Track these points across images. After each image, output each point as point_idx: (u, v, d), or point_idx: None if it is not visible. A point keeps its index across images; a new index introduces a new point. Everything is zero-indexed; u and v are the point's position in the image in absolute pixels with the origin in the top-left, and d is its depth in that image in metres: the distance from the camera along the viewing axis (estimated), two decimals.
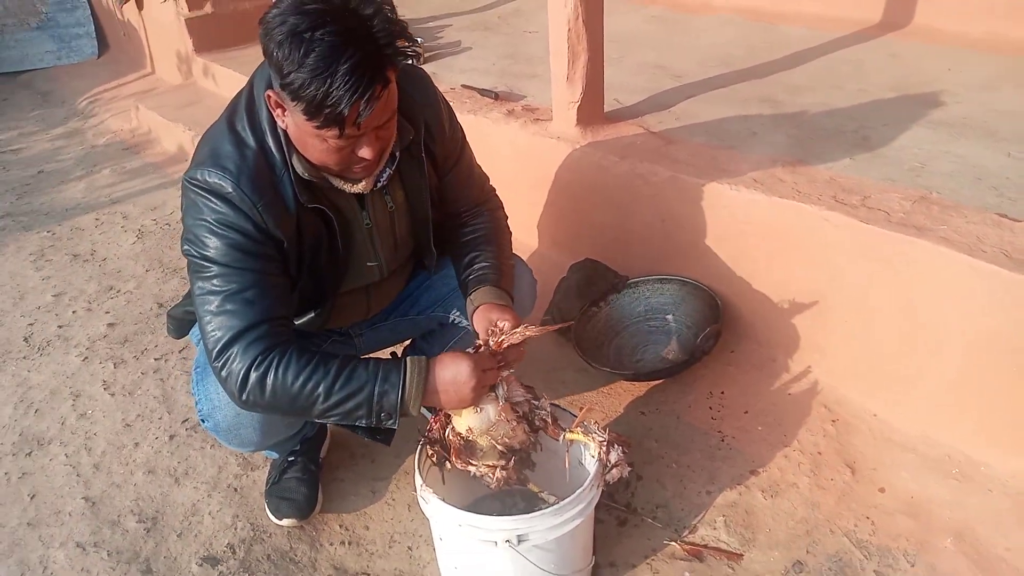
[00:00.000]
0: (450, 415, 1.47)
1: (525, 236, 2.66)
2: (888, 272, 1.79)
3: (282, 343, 1.37)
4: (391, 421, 1.38)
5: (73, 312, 2.78)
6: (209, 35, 4.39)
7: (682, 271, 2.23)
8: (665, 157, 2.23)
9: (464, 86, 2.94)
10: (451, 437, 1.47)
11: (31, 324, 2.73)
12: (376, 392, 1.36)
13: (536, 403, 1.52)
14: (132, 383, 2.37)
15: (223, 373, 1.36)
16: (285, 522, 1.80)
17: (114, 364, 2.46)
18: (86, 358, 2.51)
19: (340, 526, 1.82)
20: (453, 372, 1.39)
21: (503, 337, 1.47)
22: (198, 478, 1.98)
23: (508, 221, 1.79)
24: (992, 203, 1.84)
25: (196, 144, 1.45)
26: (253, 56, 1.38)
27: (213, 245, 1.36)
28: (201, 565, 1.75)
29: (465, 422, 1.44)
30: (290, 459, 1.86)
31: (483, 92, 2.84)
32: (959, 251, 1.66)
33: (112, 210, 3.55)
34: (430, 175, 1.61)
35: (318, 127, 1.25)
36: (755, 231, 2.01)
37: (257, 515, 1.86)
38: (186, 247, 1.41)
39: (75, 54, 5.91)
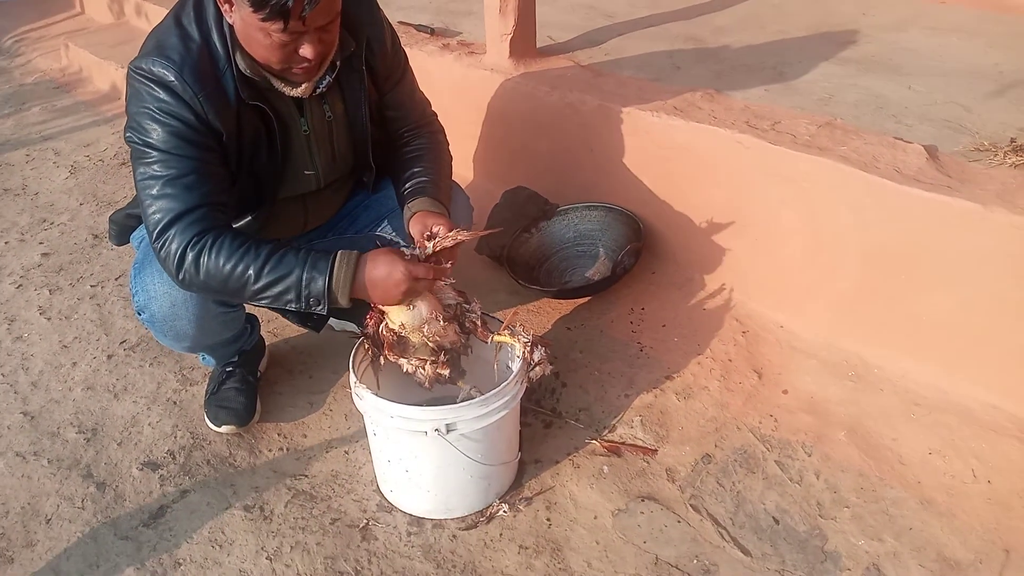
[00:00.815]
0: (384, 312, 1.55)
1: (461, 168, 2.71)
2: (794, 190, 1.92)
3: (218, 226, 1.43)
4: (320, 307, 1.44)
5: (5, 243, 2.76)
6: None
7: (609, 197, 2.33)
8: (594, 88, 2.32)
9: (401, 22, 2.97)
10: (384, 332, 1.54)
11: None
12: (304, 277, 1.42)
13: (467, 306, 1.61)
14: (68, 308, 2.38)
15: (161, 253, 1.42)
16: (224, 429, 1.87)
17: (49, 291, 2.47)
18: (20, 286, 2.50)
19: (278, 434, 1.90)
20: (387, 270, 1.44)
21: (437, 240, 1.54)
22: (137, 393, 2.03)
23: (449, 146, 1.86)
24: (891, 129, 1.99)
25: (144, 39, 1.49)
26: None
27: (155, 132, 1.42)
28: (142, 470, 1.81)
29: (398, 318, 1.52)
30: (228, 370, 1.92)
31: (419, 27, 2.88)
32: (856, 167, 1.80)
33: (43, 147, 3.49)
34: (370, 90, 1.67)
35: (263, 19, 1.31)
36: (675, 156, 2.13)
37: (196, 425, 1.92)
38: (129, 134, 1.46)
39: None
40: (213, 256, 1.40)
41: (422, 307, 1.52)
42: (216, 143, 1.47)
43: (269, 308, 1.49)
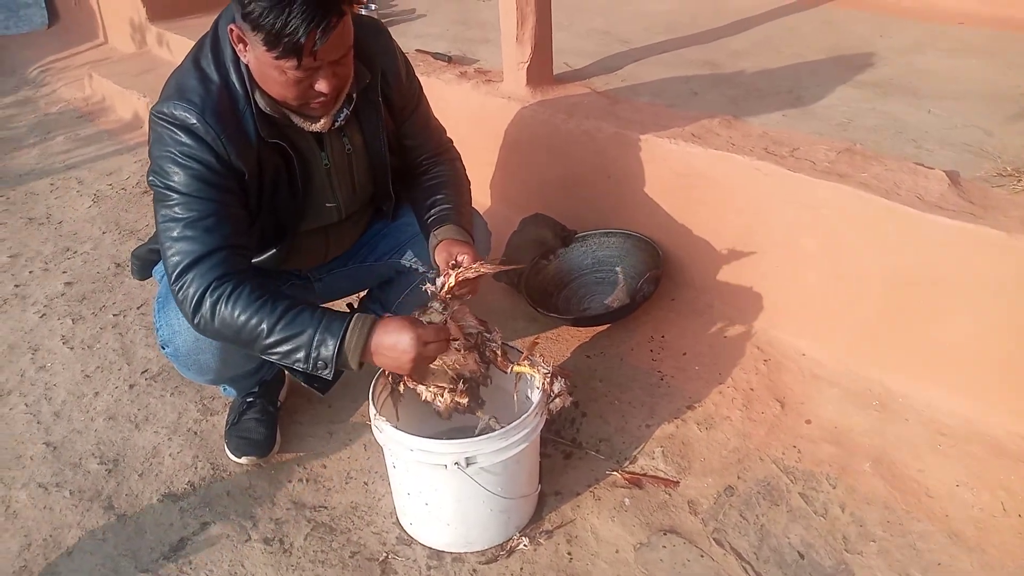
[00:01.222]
0: None
1: (478, 194, 2.71)
2: (814, 217, 1.91)
3: (239, 271, 1.44)
4: (326, 371, 1.43)
5: (30, 272, 2.79)
6: (163, 3, 4.38)
7: (627, 224, 2.33)
8: (610, 115, 2.33)
9: (418, 51, 3.00)
10: None
11: None
12: (315, 340, 1.41)
13: (488, 335, 1.60)
14: (91, 337, 2.40)
15: (179, 296, 1.43)
16: (244, 460, 1.87)
17: (72, 320, 2.49)
18: (44, 315, 2.53)
19: (298, 465, 1.90)
20: (395, 339, 1.43)
21: (460, 271, 1.55)
22: (158, 423, 2.04)
23: (466, 172, 1.87)
24: (911, 154, 1.97)
25: (165, 83, 1.51)
26: (208, 25, 1.46)
27: (176, 175, 1.43)
28: (162, 501, 1.81)
29: None
30: (249, 400, 1.92)
31: (436, 56, 2.90)
32: (877, 195, 1.78)
33: (67, 175, 3.55)
34: (387, 121, 1.69)
35: (277, 57, 1.33)
36: (693, 183, 2.12)
37: (217, 456, 1.93)
38: (152, 178, 1.47)
39: (24, 24, 5.81)
40: (229, 306, 1.41)
41: None
42: (237, 184, 1.49)
43: (278, 364, 1.49)
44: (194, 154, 1.43)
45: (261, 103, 1.47)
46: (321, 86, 1.42)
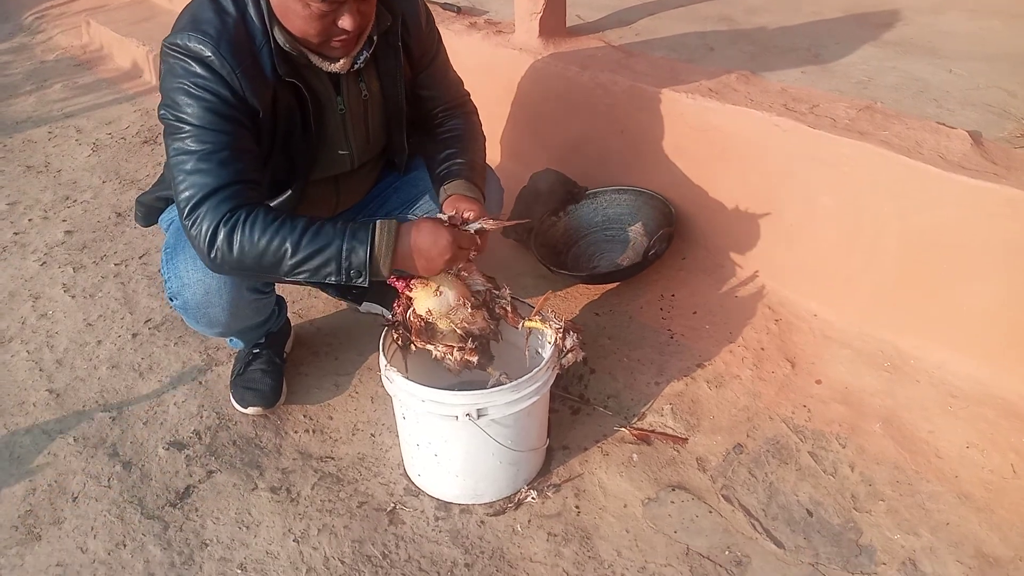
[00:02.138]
0: (412, 299, 1.52)
1: (488, 149, 2.65)
2: (833, 174, 1.87)
3: (252, 203, 1.41)
4: (360, 279, 1.40)
5: (29, 220, 2.75)
6: None
7: (640, 181, 2.29)
8: (625, 68, 2.28)
9: (428, 1, 2.92)
10: (412, 319, 1.52)
11: None
12: (344, 248, 1.39)
13: (496, 292, 1.58)
14: (93, 286, 2.37)
15: (193, 231, 1.39)
16: (250, 410, 1.86)
17: (73, 269, 2.46)
18: (44, 263, 2.50)
19: (304, 416, 1.88)
20: (432, 238, 1.42)
21: (470, 227, 1.52)
22: (162, 372, 2.02)
23: (482, 128, 1.84)
24: (932, 113, 1.94)
25: (177, 16, 1.46)
26: None
27: (189, 107, 1.39)
28: (168, 449, 1.80)
29: (425, 304, 1.50)
30: (255, 351, 1.90)
31: (445, 6, 2.84)
32: (898, 152, 1.75)
33: (65, 124, 3.49)
34: (405, 68, 1.65)
35: None
36: (709, 139, 2.08)
37: (222, 405, 1.91)
38: (163, 111, 1.43)
39: None
40: (247, 231, 1.37)
41: (449, 294, 1.50)
42: (251, 120, 1.45)
43: (307, 283, 1.45)
44: (208, 86, 1.38)
45: (280, 39, 1.43)
46: (345, 22, 1.38)
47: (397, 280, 1.51)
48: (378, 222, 1.42)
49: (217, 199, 1.38)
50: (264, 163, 1.52)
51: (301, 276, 1.42)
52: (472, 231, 1.51)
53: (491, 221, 1.53)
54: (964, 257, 1.74)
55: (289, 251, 1.38)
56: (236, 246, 1.38)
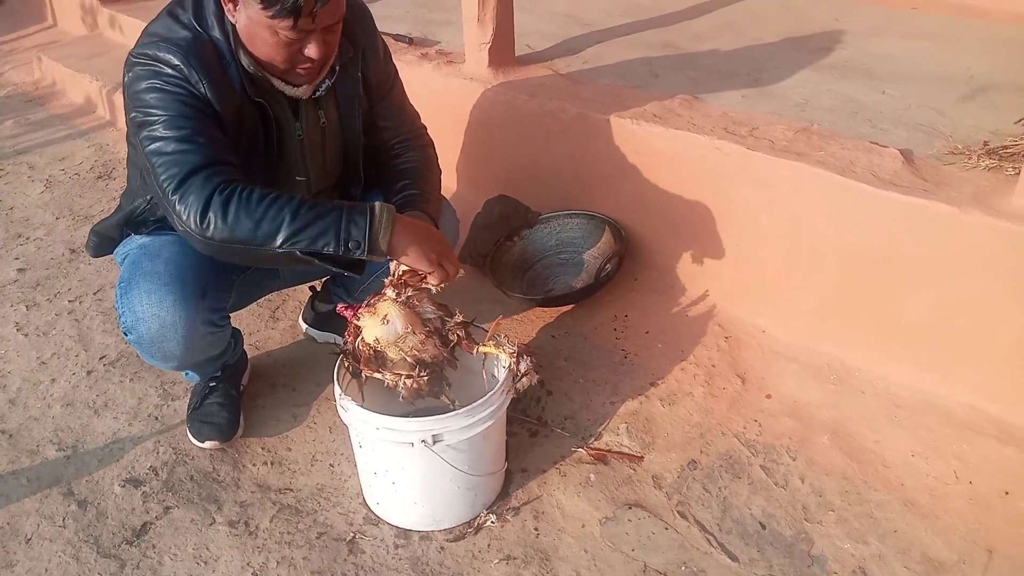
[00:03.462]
0: (360, 327, 1.54)
1: (443, 178, 2.71)
2: (772, 195, 1.94)
3: (241, 179, 1.41)
4: (360, 250, 1.40)
5: None
6: None
7: (591, 205, 2.34)
8: (573, 96, 2.34)
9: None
10: (360, 347, 1.53)
11: None
12: (344, 218, 1.38)
13: (448, 319, 1.60)
14: (46, 324, 2.35)
15: (180, 207, 1.37)
16: (207, 444, 1.85)
17: (26, 307, 2.43)
18: None
19: (262, 448, 1.88)
20: (430, 229, 1.48)
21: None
22: (118, 409, 2.01)
23: (438, 160, 1.87)
24: (866, 133, 2.02)
25: (140, 35, 1.48)
26: (159, 8, 1.45)
27: (160, 100, 1.40)
28: (124, 486, 1.78)
29: (372, 332, 1.51)
30: (211, 384, 1.90)
31: (397, 37, 2.88)
32: (833, 172, 1.82)
33: (17, 160, 3.45)
34: (363, 98, 1.69)
35: (272, 16, 1.33)
36: (655, 163, 2.14)
37: (179, 440, 1.90)
38: (132, 114, 1.43)
39: None
40: (243, 201, 1.36)
41: (397, 322, 1.50)
42: (218, 123, 1.46)
43: (301, 256, 1.39)
44: (178, 83, 1.40)
45: (244, 62, 1.46)
46: (311, 51, 1.42)
47: (346, 309, 1.52)
48: (378, 203, 1.43)
49: (205, 174, 1.37)
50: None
51: (298, 246, 1.38)
52: (403, 271, 1.55)
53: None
54: (900, 271, 1.81)
55: (287, 219, 1.36)
56: (231, 216, 1.35)
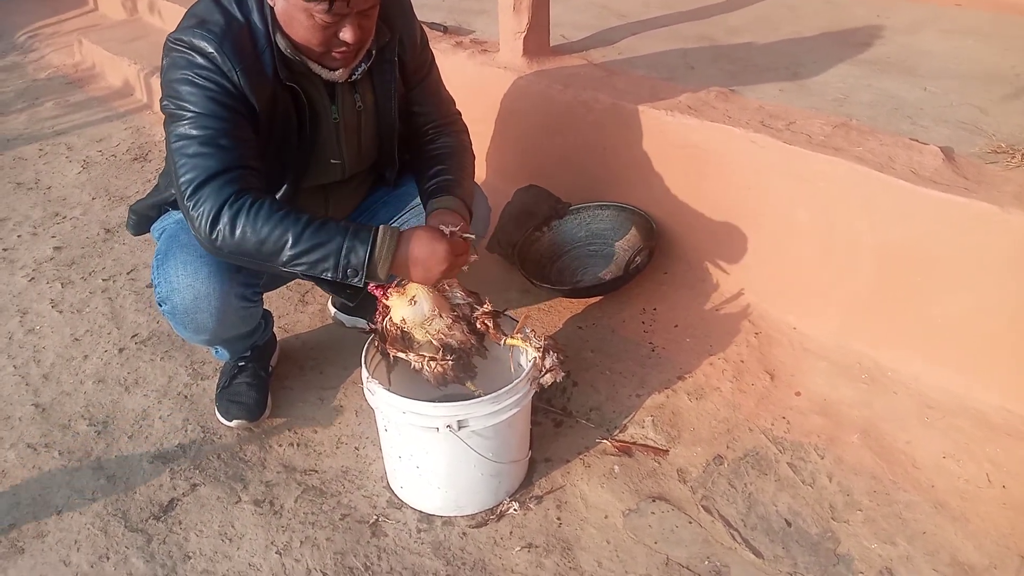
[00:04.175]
0: (388, 307, 1.54)
1: (475, 166, 2.73)
2: (809, 190, 1.91)
3: (255, 189, 1.43)
4: (357, 278, 1.43)
5: (18, 236, 2.77)
6: None
7: (622, 196, 2.33)
8: (607, 86, 2.32)
9: None
10: (388, 327, 1.54)
11: None
12: (345, 246, 1.41)
13: (478, 307, 1.59)
14: (80, 301, 2.39)
15: (194, 212, 1.41)
16: (235, 424, 1.87)
17: (61, 284, 2.47)
18: (32, 278, 2.51)
19: (289, 430, 1.90)
20: (429, 248, 1.45)
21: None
22: (148, 387, 2.03)
23: (472, 147, 1.86)
24: (906, 130, 1.98)
25: (183, 16, 1.50)
26: None
27: (191, 95, 1.43)
28: (152, 463, 1.81)
29: (400, 312, 1.52)
30: (240, 364, 1.92)
31: (432, 25, 2.88)
32: (872, 168, 1.79)
33: (56, 141, 3.51)
34: (399, 83, 1.69)
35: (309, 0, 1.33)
36: (689, 155, 2.12)
37: (207, 419, 1.92)
38: (165, 102, 1.46)
39: None
40: (251, 217, 1.39)
41: (424, 304, 1.51)
42: (250, 115, 1.48)
43: (303, 276, 1.48)
44: (210, 76, 1.42)
45: (282, 44, 1.48)
46: (346, 35, 1.42)
47: (376, 288, 1.53)
48: (381, 226, 1.45)
49: (220, 181, 1.40)
50: (263, 154, 1.54)
51: (298, 268, 1.44)
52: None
53: (468, 234, 1.56)
54: (937, 270, 1.78)
55: (290, 241, 1.40)
56: (239, 230, 1.40)
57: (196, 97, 1.43)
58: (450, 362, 1.54)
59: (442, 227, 1.52)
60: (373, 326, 1.56)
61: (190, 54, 1.43)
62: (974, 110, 2.07)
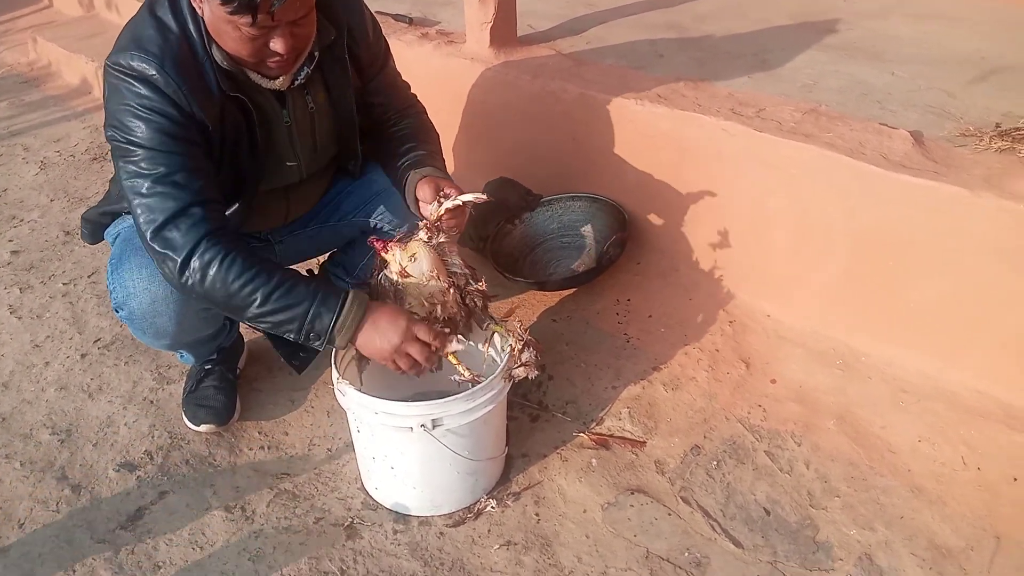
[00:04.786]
0: (386, 261, 1.50)
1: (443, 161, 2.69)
2: (780, 177, 1.90)
3: (220, 231, 1.40)
4: (318, 342, 1.42)
5: None
6: None
7: (593, 187, 2.30)
8: (576, 76, 2.29)
9: (378, 12, 2.90)
10: (383, 282, 1.51)
11: None
12: (311, 312, 1.40)
13: (473, 283, 1.55)
14: (40, 306, 2.32)
15: (160, 253, 1.38)
16: (203, 428, 1.82)
17: (20, 289, 2.40)
18: None
19: (259, 433, 1.85)
20: (389, 320, 1.42)
21: (452, 201, 1.51)
22: (112, 393, 1.98)
23: (433, 125, 1.83)
24: (875, 115, 1.98)
25: (119, 34, 1.43)
26: None
27: (139, 129, 1.37)
28: (119, 471, 1.76)
29: (398, 265, 1.48)
30: (207, 367, 1.87)
31: (397, 17, 2.83)
32: (842, 154, 1.78)
33: (11, 142, 3.40)
34: (354, 78, 1.64)
35: (231, 12, 1.28)
36: (659, 144, 2.10)
37: (174, 424, 1.87)
38: (110, 132, 1.40)
39: None
40: (223, 271, 1.37)
41: (424, 262, 1.48)
42: (201, 136, 1.43)
43: (264, 332, 1.47)
44: (155, 107, 1.36)
45: (218, 57, 1.41)
46: (277, 45, 1.37)
47: (376, 241, 1.50)
48: (351, 293, 1.42)
49: (185, 224, 1.37)
50: (216, 178, 1.50)
51: (262, 326, 1.44)
52: (463, 202, 1.52)
53: (472, 194, 1.53)
54: (910, 255, 1.78)
55: (258, 300, 1.39)
56: (208, 280, 1.38)
57: (144, 131, 1.37)
58: (439, 328, 1.50)
59: (399, 236, 1.51)
60: (368, 280, 1.53)
61: (130, 82, 1.36)
62: (942, 94, 2.07)
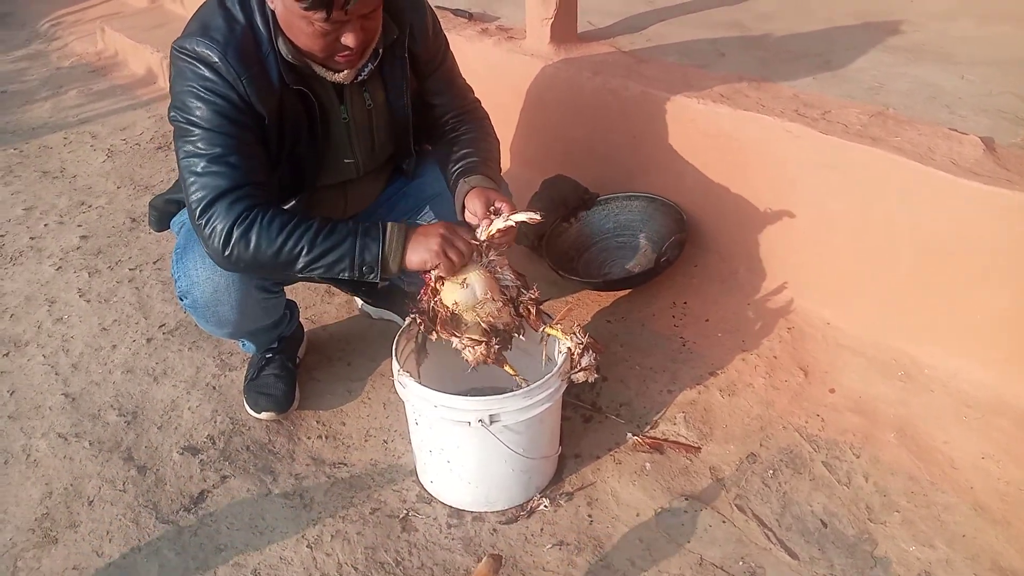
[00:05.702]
0: (438, 289, 1.51)
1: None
2: (845, 181, 1.87)
3: (264, 203, 1.44)
4: (372, 275, 1.45)
5: (45, 225, 2.77)
6: None
7: (651, 186, 2.29)
8: (636, 74, 2.28)
9: (438, 7, 2.93)
10: (438, 307, 1.51)
11: (2, 236, 2.72)
12: (358, 245, 1.43)
13: (525, 291, 1.56)
14: (108, 291, 2.39)
15: (206, 231, 1.42)
16: (264, 416, 1.86)
17: (88, 273, 2.48)
18: (60, 267, 2.52)
19: (317, 422, 1.89)
20: (428, 229, 1.47)
21: (502, 217, 1.51)
22: (176, 377, 2.03)
23: (495, 132, 1.83)
24: (944, 119, 1.93)
25: (187, 21, 1.48)
26: None
27: (199, 110, 1.42)
28: (182, 454, 1.81)
29: (452, 296, 1.49)
30: (268, 356, 1.91)
31: (457, 12, 2.85)
32: (911, 159, 1.74)
33: (80, 130, 3.51)
34: (411, 79, 1.66)
35: (306, 8, 1.30)
36: (720, 145, 2.08)
37: (236, 410, 1.92)
38: (173, 113, 1.46)
39: None
40: (264, 231, 1.41)
41: (476, 287, 1.49)
42: (258, 125, 1.47)
43: (321, 279, 1.49)
44: (216, 89, 1.41)
45: (284, 50, 1.45)
46: (348, 40, 1.39)
47: (424, 273, 1.51)
48: (389, 222, 1.46)
49: (229, 199, 1.41)
50: (272, 169, 1.53)
51: (316, 272, 1.47)
52: (515, 223, 1.52)
53: (523, 213, 1.52)
54: (977, 264, 1.74)
55: (305, 248, 1.42)
56: (252, 244, 1.41)
57: (203, 111, 1.42)
58: (496, 346, 1.51)
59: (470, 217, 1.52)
60: (419, 305, 1.54)
61: (195, 65, 1.41)
62: (1014, 99, 2.01)
